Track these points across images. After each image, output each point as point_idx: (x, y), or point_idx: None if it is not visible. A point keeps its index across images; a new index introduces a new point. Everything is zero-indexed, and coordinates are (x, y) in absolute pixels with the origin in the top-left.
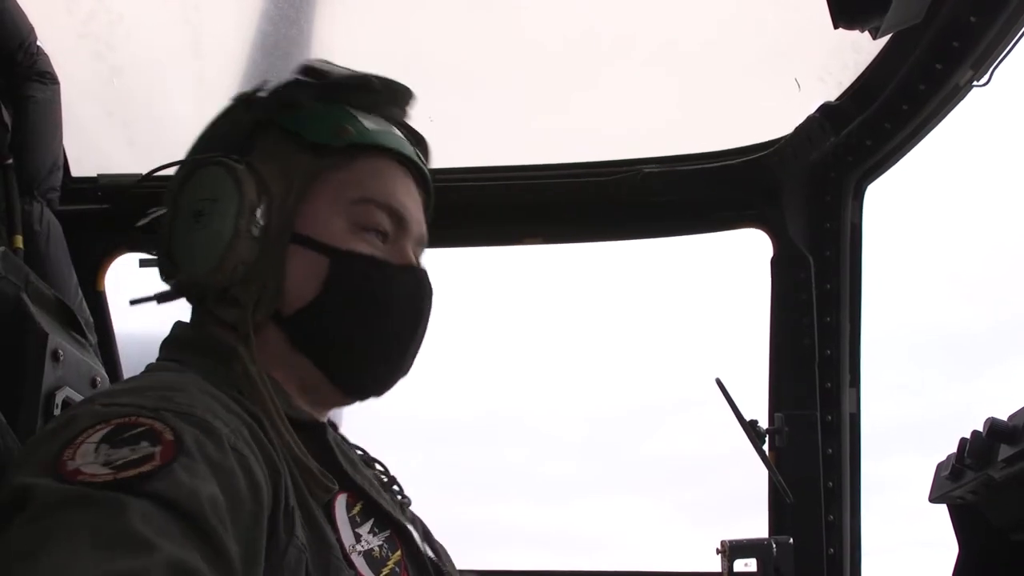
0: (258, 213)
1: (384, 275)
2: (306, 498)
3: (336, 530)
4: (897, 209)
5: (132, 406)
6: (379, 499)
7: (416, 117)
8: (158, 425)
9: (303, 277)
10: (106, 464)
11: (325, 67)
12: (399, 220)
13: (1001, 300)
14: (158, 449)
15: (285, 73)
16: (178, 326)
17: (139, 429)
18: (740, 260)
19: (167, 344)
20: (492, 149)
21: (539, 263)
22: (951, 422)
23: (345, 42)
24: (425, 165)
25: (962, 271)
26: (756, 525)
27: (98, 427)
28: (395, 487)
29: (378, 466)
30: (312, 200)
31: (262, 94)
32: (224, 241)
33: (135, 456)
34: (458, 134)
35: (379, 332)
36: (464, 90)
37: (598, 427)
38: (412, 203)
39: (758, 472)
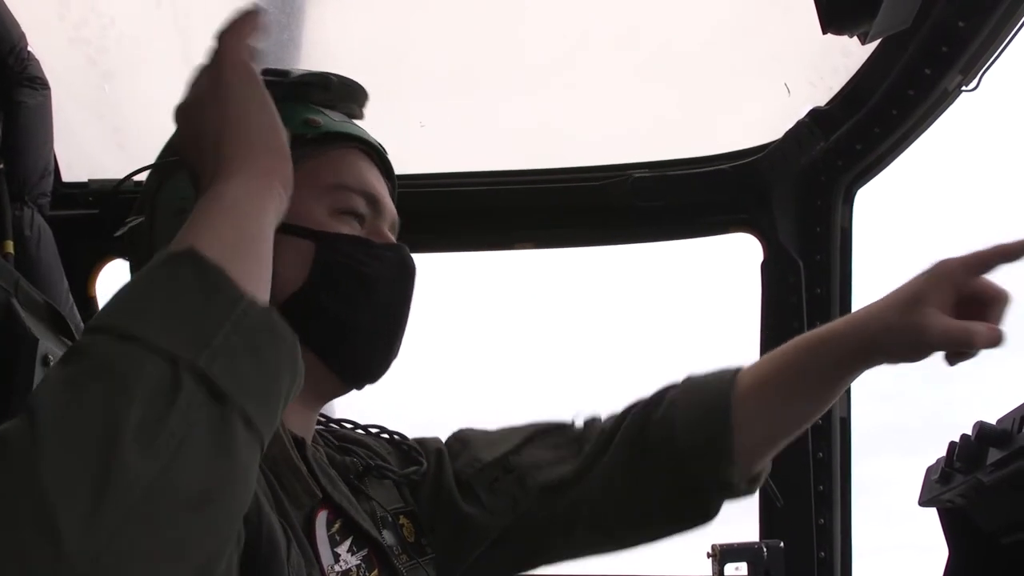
0: None
1: (369, 253)
2: (286, 511)
3: (315, 548)
4: (880, 213)
5: None
6: (357, 517)
7: (407, 122)
8: None
9: (290, 264)
10: None
11: (283, 67)
12: (374, 203)
13: None
14: None
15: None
16: None
17: None
18: (730, 265)
19: None
20: (482, 154)
21: (521, 267)
22: (927, 424)
23: (336, 47)
24: (387, 154)
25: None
26: (738, 526)
27: None
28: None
29: (383, 435)
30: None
31: None
32: None
33: None
34: (449, 138)
35: (372, 309)
36: (454, 95)
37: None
38: (383, 189)
39: None
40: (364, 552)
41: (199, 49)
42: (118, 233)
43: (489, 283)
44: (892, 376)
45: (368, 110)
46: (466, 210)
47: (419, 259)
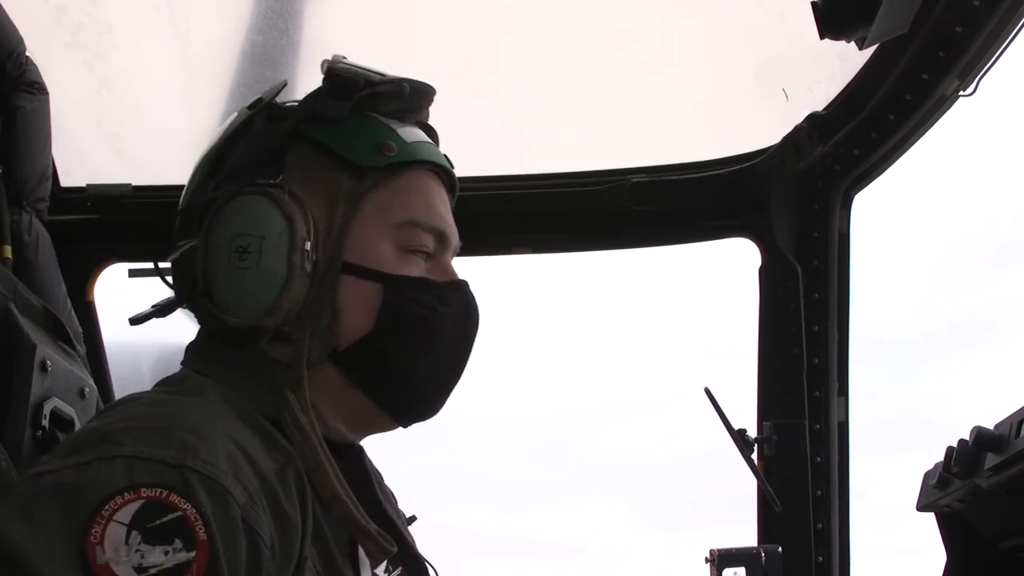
0: (308, 247)
1: (437, 297)
2: (328, 541)
3: (357, 572)
4: (878, 218)
5: (157, 464)
6: (405, 533)
7: None
8: (190, 512)
9: (357, 308)
10: (138, 571)
11: (352, 73)
12: (442, 238)
13: (939, 304)
14: (192, 556)
15: (274, 83)
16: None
17: (171, 516)
18: (728, 269)
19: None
20: (481, 159)
21: (519, 272)
22: (898, 424)
23: (335, 52)
24: (454, 169)
25: (907, 276)
26: (736, 530)
27: (126, 497)
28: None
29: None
30: (357, 225)
31: (288, 103)
32: (279, 281)
33: (168, 565)
34: (447, 144)
35: (438, 357)
36: (453, 100)
37: (567, 429)
38: (449, 215)
39: (721, 475)
40: (399, 571)
41: (197, 55)
42: (171, 257)
43: (486, 288)
44: (859, 375)
45: None
46: (463, 215)
47: None
